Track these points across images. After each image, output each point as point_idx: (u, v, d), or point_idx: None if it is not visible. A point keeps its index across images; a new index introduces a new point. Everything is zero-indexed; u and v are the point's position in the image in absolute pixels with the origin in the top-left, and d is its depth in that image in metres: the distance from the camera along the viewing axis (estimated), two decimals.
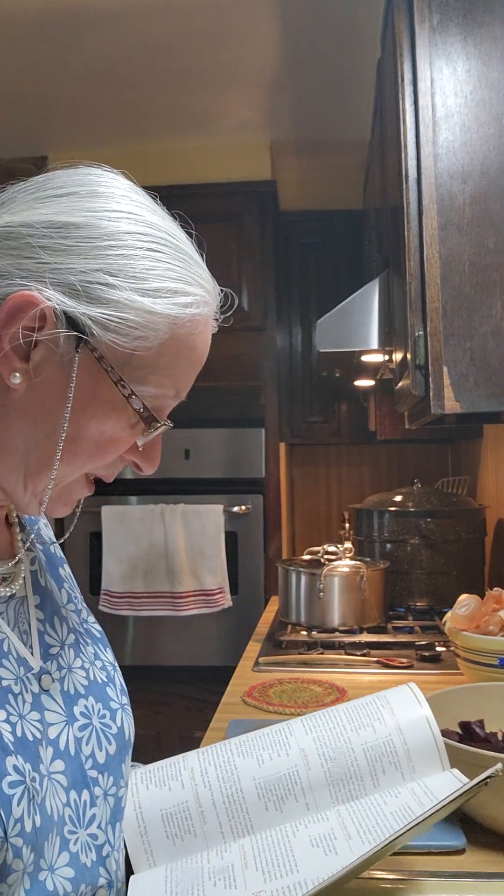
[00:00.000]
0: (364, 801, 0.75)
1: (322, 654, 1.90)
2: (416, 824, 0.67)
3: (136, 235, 0.66)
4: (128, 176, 0.72)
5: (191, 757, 0.83)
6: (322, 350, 1.96)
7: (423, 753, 0.78)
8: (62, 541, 0.84)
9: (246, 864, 0.71)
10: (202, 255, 0.72)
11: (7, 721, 0.65)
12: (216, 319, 0.73)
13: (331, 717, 0.82)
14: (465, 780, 0.75)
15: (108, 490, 2.97)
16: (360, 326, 1.90)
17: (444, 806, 0.69)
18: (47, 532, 0.88)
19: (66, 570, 0.87)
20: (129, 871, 0.77)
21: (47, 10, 2.19)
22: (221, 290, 0.73)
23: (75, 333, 0.64)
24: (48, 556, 0.85)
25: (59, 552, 0.89)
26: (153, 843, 0.77)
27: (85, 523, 2.94)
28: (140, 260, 0.66)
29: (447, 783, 0.74)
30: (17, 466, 0.68)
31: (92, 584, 2.95)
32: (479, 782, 0.70)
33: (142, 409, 0.67)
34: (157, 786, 0.80)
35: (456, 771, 0.76)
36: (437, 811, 0.69)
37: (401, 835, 0.67)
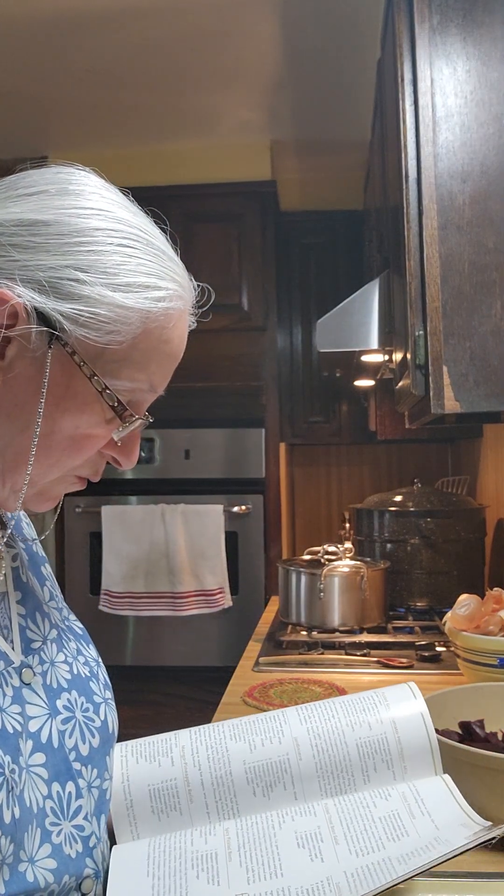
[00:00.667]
0: (353, 798, 0.75)
1: (322, 654, 1.89)
2: (416, 873, 0.66)
3: (107, 231, 0.67)
4: (99, 174, 0.72)
5: (183, 735, 0.83)
6: (322, 350, 1.96)
7: (416, 755, 0.78)
8: (42, 537, 0.85)
9: (230, 855, 0.70)
10: (176, 251, 0.73)
11: None
12: (193, 315, 0.73)
13: (327, 710, 0.82)
14: (455, 788, 0.75)
15: (108, 490, 2.97)
16: (361, 326, 1.90)
17: (447, 858, 0.68)
18: (29, 531, 0.88)
19: (46, 569, 0.88)
20: (113, 842, 0.78)
21: (48, 10, 2.19)
22: (198, 286, 0.74)
23: (47, 329, 0.65)
24: (30, 554, 0.86)
25: (41, 551, 0.90)
26: (138, 816, 0.77)
27: (85, 523, 2.94)
28: (110, 255, 0.66)
29: (438, 790, 0.74)
30: None
31: (92, 584, 2.95)
32: (486, 840, 0.69)
33: (115, 404, 0.68)
34: (147, 760, 0.80)
35: (447, 777, 0.76)
36: (440, 861, 0.67)
37: (398, 882, 0.66)
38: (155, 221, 0.73)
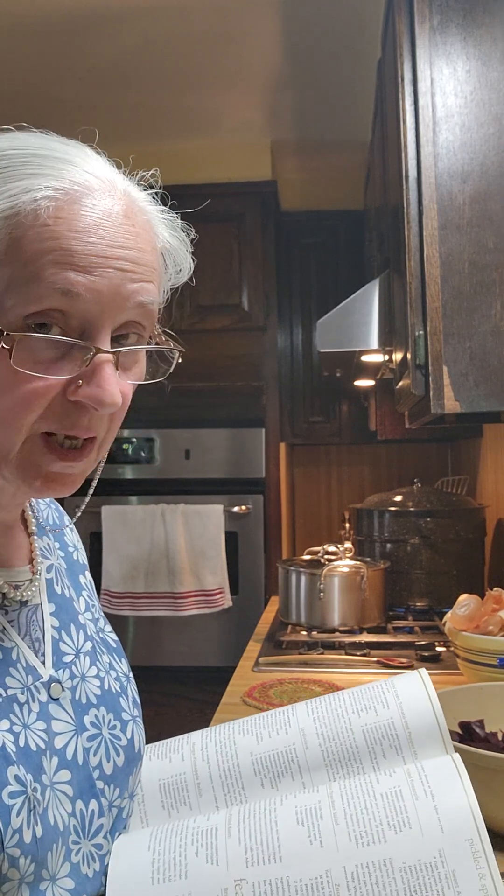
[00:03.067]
0: (358, 778, 0.73)
1: (322, 654, 1.90)
2: None
3: None
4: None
5: (194, 735, 0.83)
6: (322, 350, 1.97)
7: (424, 737, 0.76)
8: (72, 521, 0.82)
9: (230, 830, 0.69)
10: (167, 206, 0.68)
11: (10, 731, 0.64)
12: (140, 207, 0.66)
13: (335, 700, 0.81)
14: (463, 769, 0.72)
15: (109, 490, 2.97)
16: (361, 326, 1.90)
17: None
18: (72, 538, 0.86)
19: (86, 578, 0.86)
20: None
21: (50, 10, 2.19)
22: (131, 173, 0.68)
23: None
24: (69, 563, 0.84)
25: (83, 559, 0.87)
26: (149, 811, 0.77)
27: (85, 523, 2.94)
28: None
29: (444, 767, 0.72)
30: None
31: None
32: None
33: None
34: (158, 758, 0.81)
35: (457, 756, 0.73)
36: None
37: None
38: (193, 229, 0.69)
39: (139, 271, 0.63)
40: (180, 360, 0.70)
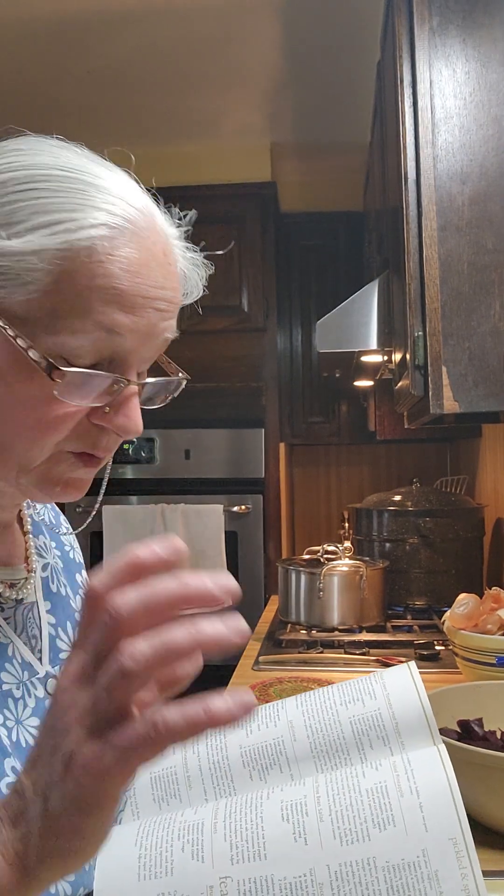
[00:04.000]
0: (344, 771, 0.73)
1: (321, 653, 1.90)
2: None
3: (8, 183, 0.61)
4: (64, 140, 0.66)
5: None
6: (322, 350, 1.97)
7: (411, 728, 0.76)
8: (78, 530, 0.83)
9: (215, 825, 0.69)
10: (158, 202, 0.67)
11: (3, 725, 0.65)
12: (181, 241, 0.67)
13: (324, 693, 0.82)
14: (447, 759, 0.71)
15: (109, 490, 2.96)
16: (360, 327, 1.91)
17: None
18: (68, 537, 0.87)
19: (83, 576, 0.87)
20: None
21: (51, 13, 2.20)
22: (182, 214, 0.68)
23: None
24: (66, 561, 0.84)
25: (79, 558, 0.88)
26: (140, 804, 0.78)
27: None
28: (9, 205, 0.60)
29: (430, 758, 0.72)
30: None
31: None
32: None
33: (40, 360, 0.59)
34: None
35: (443, 747, 0.73)
36: None
37: None
38: (193, 230, 0.68)
39: (171, 310, 0.65)
40: (184, 382, 0.72)
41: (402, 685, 0.79)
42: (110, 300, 0.60)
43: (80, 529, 0.82)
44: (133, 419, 0.64)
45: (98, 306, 0.60)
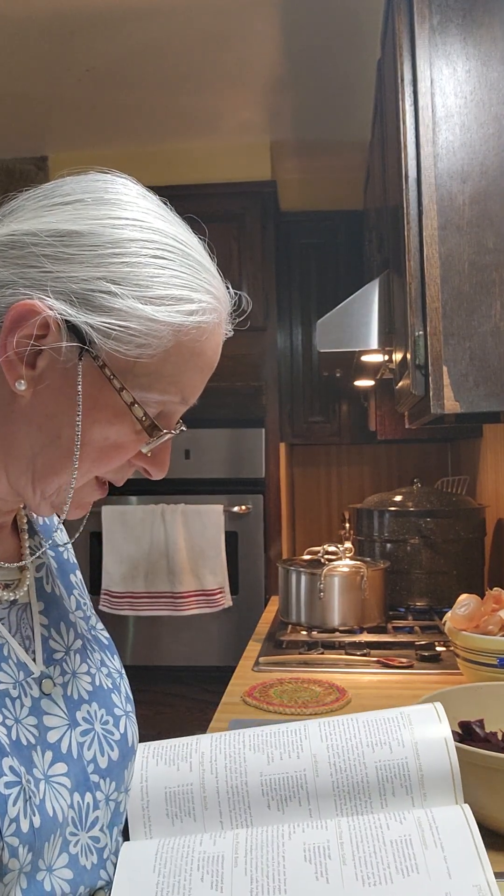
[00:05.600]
0: (367, 818, 0.73)
1: (322, 653, 1.90)
2: None
3: (141, 242, 0.66)
4: (135, 182, 0.71)
5: (204, 741, 0.82)
6: (322, 350, 1.96)
7: (436, 783, 0.76)
8: (72, 541, 0.84)
9: (236, 860, 0.69)
10: (213, 259, 0.71)
11: (3, 724, 0.66)
12: (231, 324, 0.73)
13: (349, 728, 0.80)
14: (473, 821, 0.72)
15: (109, 490, 2.97)
16: (360, 326, 1.90)
17: None
18: (62, 536, 0.87)
19: (76, 577, 0.87)
20: (126, 838, 0.78)
21: (49, 10, 2.19)
22: (235, 293, 0.74)
23: (77, 344, 0.64)
24: (60, 562, 0.85)
25: (73, 558, 0.89)
26: (153, 818, 0.77)
27: (85, 523, 2.94)
28: (144, 268, 0.65)
29: (455, 820, 0.72)
30: (25, 471, 0.68)
31: (92, 584, 2.95)
32: None
33: (143, 418, 0.67)
34: (166, 763, 0.80)
35: (467, 807, 0.74)
36: None
37: None
38: (194, 230, 0.72)
39: None
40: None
41: (431, 735, 0.78)
42: (195, 373, 0.70)
43: (77, 534, 0.82)
44: (167, 464, 0.73)
45: (187, 378, 0.69)
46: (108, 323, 0.64)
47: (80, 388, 0.65)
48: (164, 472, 0.73)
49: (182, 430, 0.73)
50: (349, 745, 0.78)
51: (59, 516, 0.72)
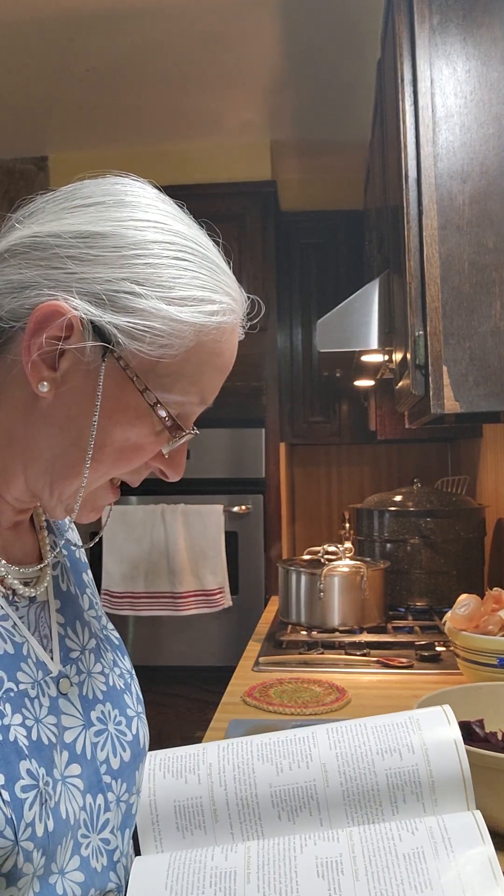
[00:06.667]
0: (379, 828, 0.73)
1: (322, 653, 1.90)
2: None
3: (163, 244, 0.66)
4: (154, 185, 0.72)
5: (211, 750, 0.81)
6: (322, 350, 1.97)
7: (448, 789, 0.75)
8: (92, 544, 0.84)
9: (248, 876, 0.69)
10: (228, 263, 0.72)
11: (23, 725, 0.65)
12: (243, 326, 0.73)
13: (358, 734, 0.80)
14: (484, 827, 0.72)
15: None
16: (361, 326, 1.90)
17: None
18: (73, 536, 0.87)
19: (88, 576, 0.87)
20: (137, 852, 0.77)
21: (49, 11, 2.19)
22: (248, 297, 0.74)
23: (101, 343, 0.65)
24: (73, 561, 0.85)
25: (84, 558, 0.89)
26: (163, 832, 0.76)
27: (86, 524, 2.94)
28: (166, 269, 0.66)
29: (467, 826, 0.72)
30: (44, 472, 0.68)
31: None
32: None
33: (166, 418, 0.67)
34: (174, 776, 0.79)
35: (478, 813, 0.73)
36: None
37: None
38: (209, 234, 0.72)
39: None
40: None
41: (441, 739, 0.78)
42: (215, 373, 0.70)
43: (93, 542, 0.82)
44: (183, 465, 0.74)
45: (207, 378, 0.69)
46: (133, 323, 0.64)
47: (100, 388, 0.65)
48: (180, 474, 0.73)
49: (196, 432, 0.73)
50: (359, 753, 0.77)
51: (70, 518, 0.72)
